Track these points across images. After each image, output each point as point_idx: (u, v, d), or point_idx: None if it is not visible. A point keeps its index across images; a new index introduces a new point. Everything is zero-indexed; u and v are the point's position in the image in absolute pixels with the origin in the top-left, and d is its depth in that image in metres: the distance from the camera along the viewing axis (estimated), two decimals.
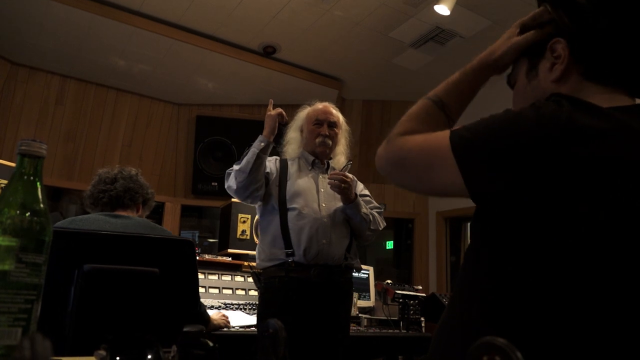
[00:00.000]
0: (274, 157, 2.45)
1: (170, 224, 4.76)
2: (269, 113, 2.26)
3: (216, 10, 3.87)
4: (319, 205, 2.27)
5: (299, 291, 2.15)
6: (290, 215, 2.23)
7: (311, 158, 2.44)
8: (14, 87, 4.36)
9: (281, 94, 5.00)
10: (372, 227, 2.36)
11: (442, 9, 3.57)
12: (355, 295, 3.25)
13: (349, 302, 2.34)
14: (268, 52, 4.46)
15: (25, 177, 0.67)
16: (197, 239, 5.00)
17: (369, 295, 3.59)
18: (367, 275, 3.67)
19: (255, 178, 2.18)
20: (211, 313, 2.37)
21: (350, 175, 2.27)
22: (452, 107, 0.93)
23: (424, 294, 3.24)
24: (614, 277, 0.68)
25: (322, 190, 2.33)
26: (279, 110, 2.27)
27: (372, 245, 6.20)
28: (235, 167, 2.26)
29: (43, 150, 0.68)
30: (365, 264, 3.80)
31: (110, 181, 2.06)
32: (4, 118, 4.29)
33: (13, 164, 2.58)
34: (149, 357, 0.64)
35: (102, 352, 0.64)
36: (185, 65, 4.48)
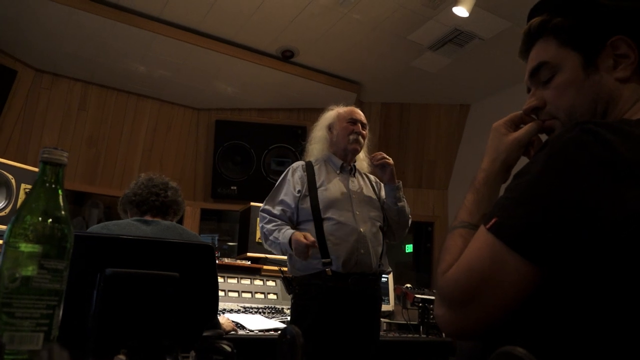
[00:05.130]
0: (300, 164, 2.45)
1: (190, 228, 4.79)
2: (307, 243, 2.12)
3: (235, 15, 3.90)
4: (353, 213, 2.28)
5: (337, 300, 2.17)
6: (327, 225, 2.24)
7: (339, 162, 2.43)
8: (38, 93, 4.45)
9: (299, 98, 5.01)
10: (409, 215, 2.47)
11: (461, 11, 3.54)
12: None
13: (380, 308, 2.37)
14: (286, 56, 4.47)
15: (47, 184, 0.68)
16: (216, 243, 5.03)
17: (389, 300, 3.56)
18: (386, 279, 3.65)
19: None
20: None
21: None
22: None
23: None
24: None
25: (354, 196, 2.34)
26: (312, 242, 2.16)
27: (391, 249, 6.16)
28: (272, 212, 2.34)
29: (64, 158, 0.69)
30: None
31: (163, 187, 2.11)
32: (28, 124, 4.38)
33: (37, 169, 2.63)
34: None
35: (122, 357, 0.65)
36: (204, 70, 4.52)
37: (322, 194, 2.29)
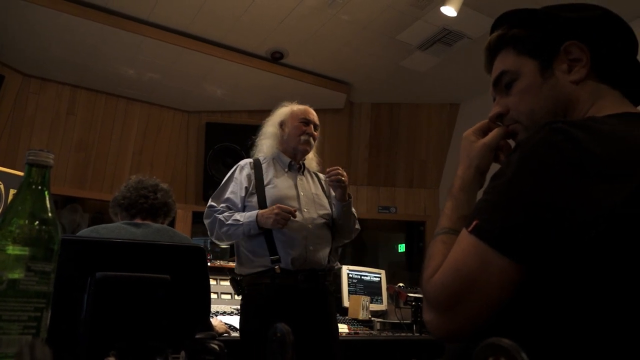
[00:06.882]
0: (247, 162, 2.43)
1: (182, 231, 4.74)
2: (283, 213, 2.12)
3: (223, 17, 3.90)
4: (301, 211, 2.26)
5: (287, 297, 2.14)
6: None
7: (287, 160, 2.42)
8: (26, 98, 4.41)
9: (289, 99, 4.97)
10: (356, 227, 2.44)
11: (449, 11, 3.56)
12: (367, 298, 3.24)
13: (333, 303, 2.34)
14: (275, 57, 4.47)
15: (34, 186, 0.68)
16: (209, 246, 5.01)
17: (382, 299, 3.57)
18: (379, 279, 3.66)
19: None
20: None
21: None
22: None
23: None
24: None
25: (302, 194, 2.33)
26: (292, 210, 2.15)
27: (384, 249, 6.19)
28: (217, 208, 2.29)
29: (50, 160, 0.69)
30: (377, 267, 3.79)
31: (153, 189, 2.09)
32: (17, 129, 4.34)
33: None
34: None
35: (111, 359, 0.64)
36: (194, 73, 4.51)
37: (269, 192, 2.27)
